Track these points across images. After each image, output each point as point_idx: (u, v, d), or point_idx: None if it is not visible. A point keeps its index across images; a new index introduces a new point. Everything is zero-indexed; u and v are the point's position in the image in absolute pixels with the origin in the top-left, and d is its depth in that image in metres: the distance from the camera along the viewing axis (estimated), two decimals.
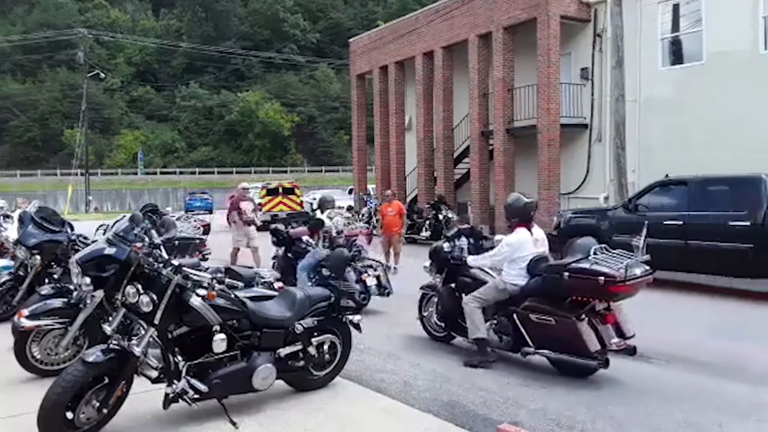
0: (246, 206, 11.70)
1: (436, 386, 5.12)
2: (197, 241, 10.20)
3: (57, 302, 5.17)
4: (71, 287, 5.21)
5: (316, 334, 4.77)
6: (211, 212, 33.30)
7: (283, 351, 4.55)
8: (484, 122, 18.67)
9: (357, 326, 5.07)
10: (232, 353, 4.28)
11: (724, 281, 9.41)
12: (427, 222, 17.42)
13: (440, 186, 20.14)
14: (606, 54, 15.24)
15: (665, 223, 9.36)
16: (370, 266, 8.28)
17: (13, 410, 4.30)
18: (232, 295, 4.30)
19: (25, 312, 4.99)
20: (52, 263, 6.65)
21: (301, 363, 4.67)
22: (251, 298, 4.48)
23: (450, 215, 16.71)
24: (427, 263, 6.60)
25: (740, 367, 5.60)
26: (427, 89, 20.70)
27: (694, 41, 14.61)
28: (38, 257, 6.62)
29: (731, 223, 8.81)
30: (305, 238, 8.96)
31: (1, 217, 11.10)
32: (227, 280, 4.26)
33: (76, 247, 6.41)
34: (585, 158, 16.89)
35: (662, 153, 14.22)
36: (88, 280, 4.83)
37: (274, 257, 10.04)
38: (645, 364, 5.70)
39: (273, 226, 10.47)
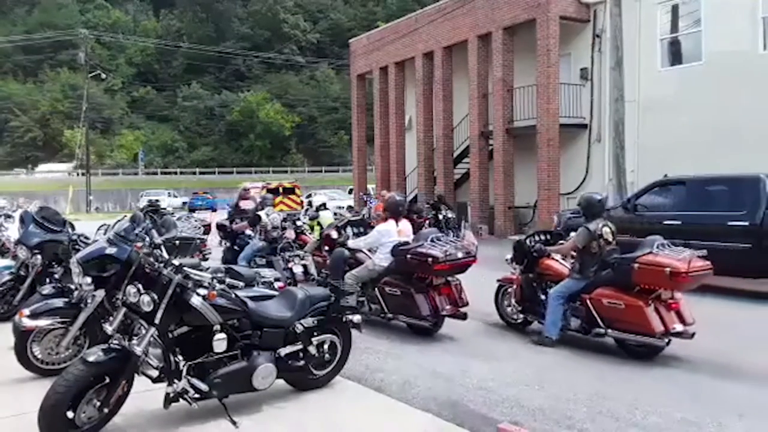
0: (246, 205, 11.86)
1: (436, 386, 5.13)
2: (198, 241, 10.22)
3: (58, 302, 5.17)
4: (72, 287, 5.22)
5: (316, 333, 4.79)
6: (214, 210, 33.52)
7: (284, 350, 4.56)
8: (484, 122, 18.68)
9: (357, 326, 5.09)
10: (232, 353, 4.29)
11: (722, 281, 9.41)
12: (427, 222, 17.38)
13: (440, 186, 20.13)
14: (605, 54, 15.25)
15: (664, 222, 9.37)
16: (297, 255, 9.57)
17: (14, 410, 4.31)
18: (233, 295, 4.31)
19: (26, 311, 4.99)
20: (53, 263, 6.64)
21: (302, 362, 4.69)
22: (252, 298, 4.50)
23: (450, 215, 16.68)
24: (326, 247, 8.42)
25: (739, 367, 5.61)
26: (427, 89, 20.71)
27: (694, 42, 14.62)
28: (39, 257, 6.61)
29: (730, 223, 8.82)
30: (247, 231, 10.33)
31: (3, 217, 11.12)
32: (228, 279, 4.28)
33: (77, 246, 6.42)
34: (584, 158, 16.90)
35: (661, 153, 14.21)
36: (89, 279, 4.85)
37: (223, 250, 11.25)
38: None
39: (218, 222, 11.92)
